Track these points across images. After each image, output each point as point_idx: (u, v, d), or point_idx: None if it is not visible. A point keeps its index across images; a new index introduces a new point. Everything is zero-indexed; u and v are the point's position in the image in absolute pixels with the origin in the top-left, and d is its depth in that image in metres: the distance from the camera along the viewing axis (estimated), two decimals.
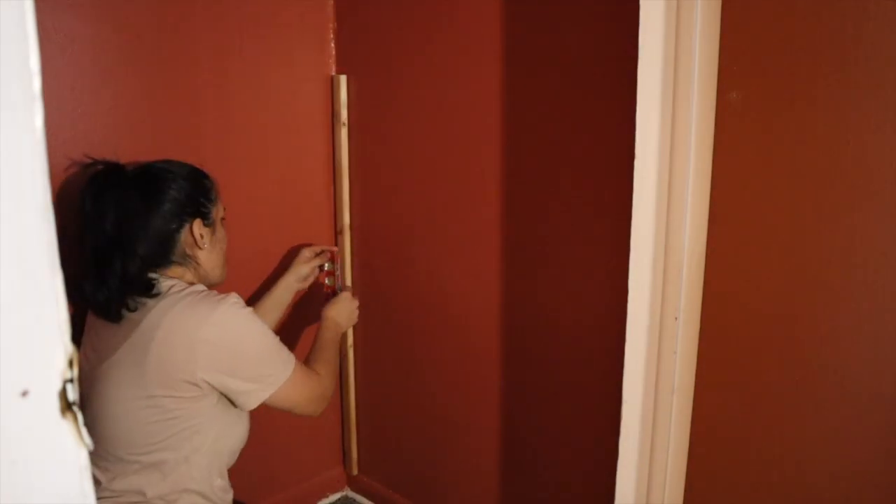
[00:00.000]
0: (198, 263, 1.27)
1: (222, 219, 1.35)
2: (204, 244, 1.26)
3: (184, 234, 1.24)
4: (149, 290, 1.17)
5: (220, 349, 1.15)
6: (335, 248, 1.74)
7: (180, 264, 1.24)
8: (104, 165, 1.24)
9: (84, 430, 0.35)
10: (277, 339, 1.26)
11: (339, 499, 2.04)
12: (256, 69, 1.67)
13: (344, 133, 1.82)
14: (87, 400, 1.18)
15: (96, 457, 1.18)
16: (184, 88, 1.54)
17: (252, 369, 1.20)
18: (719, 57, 0.98)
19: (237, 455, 1.33)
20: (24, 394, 0.33)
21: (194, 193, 1.26)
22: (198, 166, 1.32)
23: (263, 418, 1.76)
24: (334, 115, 1.82)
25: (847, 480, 0.97)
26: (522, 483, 1.58)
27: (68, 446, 0.34)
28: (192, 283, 1.23)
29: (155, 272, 1.21)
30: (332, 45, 1.81)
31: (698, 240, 1.02)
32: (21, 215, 0.32)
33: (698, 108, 0.96)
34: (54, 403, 0.34)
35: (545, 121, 1.38)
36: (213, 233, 1.30)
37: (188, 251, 1.25)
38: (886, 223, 0.88)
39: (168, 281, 1.20)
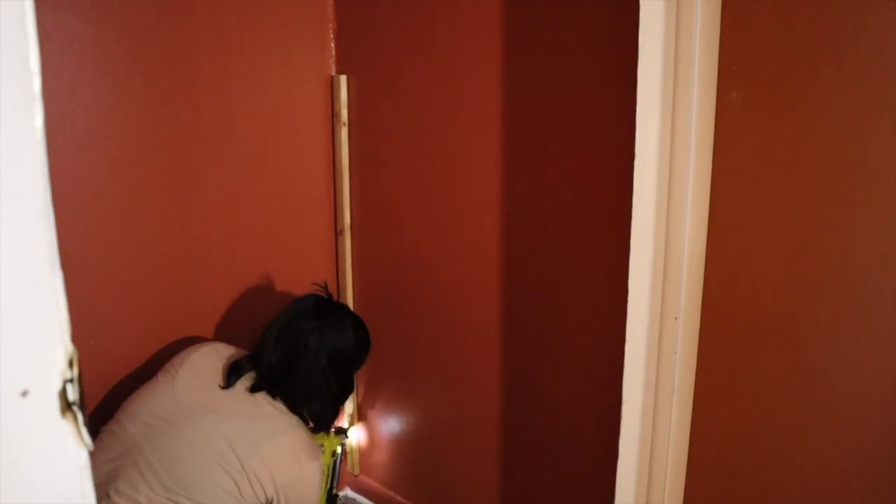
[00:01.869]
0: (308, 419, 1.42)
1: None
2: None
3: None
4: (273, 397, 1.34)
5: (291, 497, 1.29)
6: None
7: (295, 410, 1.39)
8: (330, 297, 1.47)
9: (84, 430, 0.35)
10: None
11: (340, 499, 2.04)
12: (256, 69, 1.66)
13: (344, 133, 1.81)
14: (175, 419, 1.26)
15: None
16: (184, 88, 1.54)
17: None
18: (719, 57, 0.98)
19: None
20: (24, 394, 0.33)
21: (347, 368, 1.45)
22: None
23: None
24: (334, 115, 1.82)
25: (847, 480, 0.97)
26: (522, 483, 1.58)
27: (68, 446, 0.34)
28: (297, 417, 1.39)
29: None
30: (332, 45, 1.81)
31: (698, 240, 1.02)
32: (21, 215, 0.32)
33: (698, 108, 0.95)
34: (54, 403, 0.34)
35: (545, 121, 1.38)
36: None
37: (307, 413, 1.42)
38: (886, 223, 0.88)
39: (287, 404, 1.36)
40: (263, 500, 1.26)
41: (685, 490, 1.12)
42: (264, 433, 1.27)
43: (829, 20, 0.89)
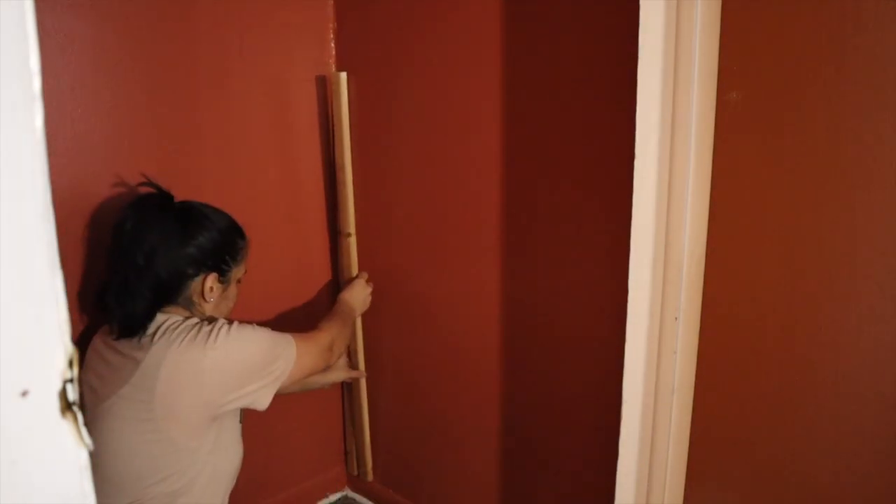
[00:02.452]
0: (201, 312, 1.31)
1: (238, 280, 1.38)
2: (211, 298, 1.30)
3: (195, 283, 1.27)
4: (147, 320, 1.21)
5: (226, 371, 1.21)
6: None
7: (182, 306, 1.28)
8: (157, 190, 1.30)
9: (84, 430, 0.35)
10: (269, 330, 1.32)
11: (339, 499, 2.04)
12: (256, 69, 1.66)
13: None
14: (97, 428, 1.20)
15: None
16: (184, 88, 1.54)
17: (261, 371, 1.27)
18: (719, 57, 0.98)
19: (235, 478, 1.38)
20: (24, 394, 0.33)
21: (222, 249, 1.30)
22: (236, 223, 1.36)
23: (264, 419, 1.76)
24: (335, 114, 1.81)
25: (847, 480, 0.97)
26: (523, 483, 1.58)
27: (68, 446, 0.34)
28: (187, 318, 1.26)
29: (159, 307, 1.24)
30: (333, 44, 1.81)
31: (698, 240, 1.02)
32: (21, 215, 0.32)
33: (698, 108, 0.95)
34: (54, 403, 0.34)
35: (544, 120, 1.38)
36: (224, 290, 1.33)
37: (194, 299, 1.29)
38: (887, 222, 0.88)
39: (162, 316, 1.23)
40: (208, 416, 1.21)
41: (685, 490, 1.12)
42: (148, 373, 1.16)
43: (829, 20, 0.89)
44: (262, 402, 1.28)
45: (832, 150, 0.92)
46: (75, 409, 0.34)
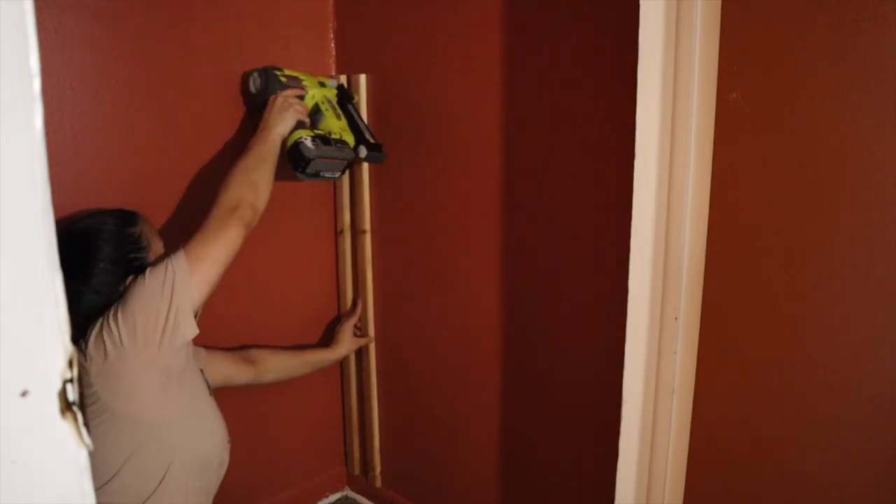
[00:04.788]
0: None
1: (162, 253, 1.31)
2: None
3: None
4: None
5: (128, 318, 1.15)
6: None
7: None
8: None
9: (84, 430, 0.35)
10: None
11: (339, 499, 2.04)
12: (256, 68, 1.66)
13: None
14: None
15: None
16: (184, 89, 1.54)
17: (160, 293, 1.17)
18: (719, 57, 0.98)
19: (223, 460, 1.32)
20: (24, 394, 0.33)
21: (123, 253, 1.23)
22: (122, 210, 1.29)
23: (264, 417, 1.76)
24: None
25: (847, 480, 0.97)
26: (523, 483, 1.58)
27: (68, 446, 0.34)
28: None
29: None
30: (332, 45, 1.81)
31: (698, 240, 1.02)
32: (21, 215, 0.32)
33: (698, 108, 0.96)
34: (54, 403, 0.34)
35: (545, 120, 1.38)
36: None
37: None
38: (887, 222, 0.88)
39: None
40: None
41: (685, 490, 1.12)
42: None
43: (829, 20, 0.89)
44: (185, 325, 1.18)
45: (832, 150, 0.92)
46: (75, 409, 0.34)
